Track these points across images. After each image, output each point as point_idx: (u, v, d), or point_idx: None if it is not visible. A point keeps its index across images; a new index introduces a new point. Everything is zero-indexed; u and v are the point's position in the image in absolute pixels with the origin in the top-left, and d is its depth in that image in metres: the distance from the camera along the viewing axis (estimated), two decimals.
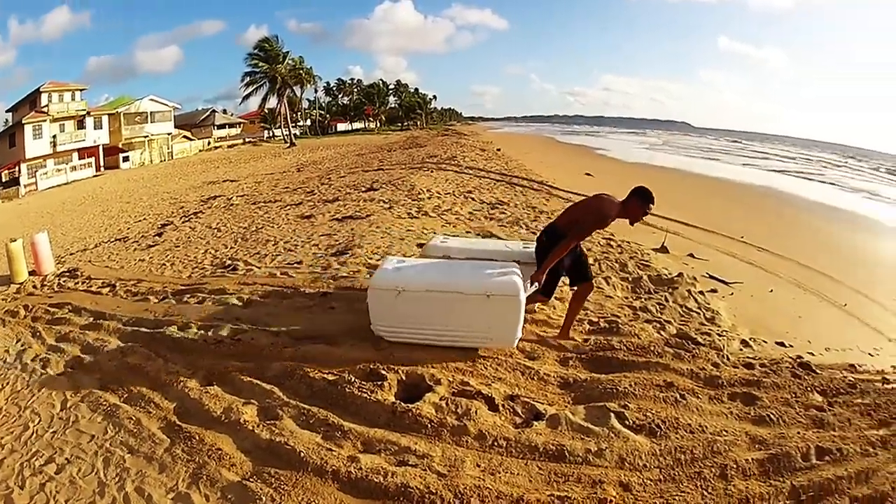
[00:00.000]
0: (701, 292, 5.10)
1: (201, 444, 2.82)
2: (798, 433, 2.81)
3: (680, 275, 5.44)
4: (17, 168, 29.69)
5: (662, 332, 4.11)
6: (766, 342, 4.15)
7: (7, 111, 35.24)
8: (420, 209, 9.02)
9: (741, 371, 3.51)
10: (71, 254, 9.81)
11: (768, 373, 3.49)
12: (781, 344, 4.13)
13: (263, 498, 2.42)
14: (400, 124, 79.53)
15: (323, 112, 74.23)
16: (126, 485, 2.60)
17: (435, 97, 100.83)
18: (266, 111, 56.83)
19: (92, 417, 3.23)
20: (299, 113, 64.16)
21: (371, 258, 5.93)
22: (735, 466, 2.55)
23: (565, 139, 53.70)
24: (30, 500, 2.57)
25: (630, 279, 5.37)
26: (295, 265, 5.99)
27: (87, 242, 11.26)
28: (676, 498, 2.40)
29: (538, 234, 3.91)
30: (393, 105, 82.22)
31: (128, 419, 3.15)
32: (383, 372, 3.30)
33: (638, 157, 31.94)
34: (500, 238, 6.95)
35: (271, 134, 57.73)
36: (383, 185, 12.21)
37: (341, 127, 75.13)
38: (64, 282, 6.68)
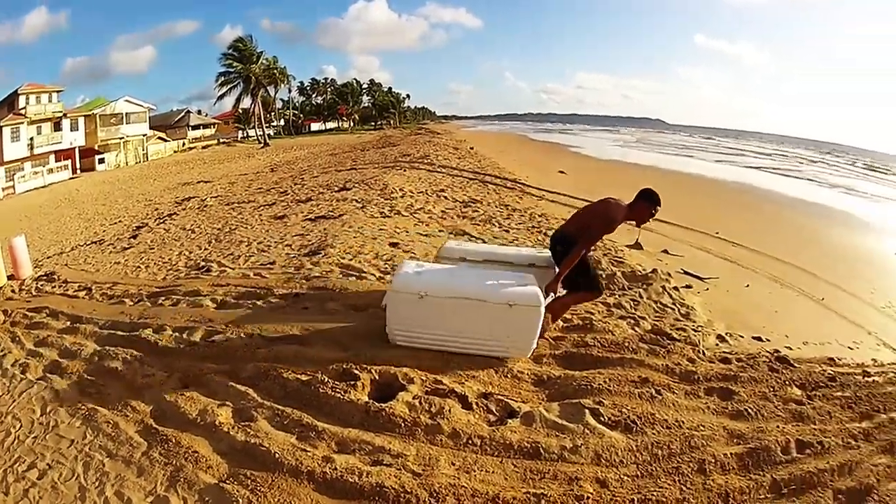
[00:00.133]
0: (676, 288, 5.10)
1: (178, 447, 2.78)
2: (777, 427, 2.80)
3: (654, 271, 5.44)
4: None
5: (637, 329, 4.10)
6: (742, 337, 4.15)
7: None
8: (393, 208, 8.99)
9: (718, 366, 3.51)
10: (48, 257, 9.76)
11: (745, 367, 3.49)
12: (758, 338, 4.13)
13: (240, 500, 2.38)
14: (373, 123, 79.46)
15: (297, 112, 73.45)
16: (106, 489, 2.58)
17: (408, 96, 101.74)
18: (240, 111, 56.23)
19: (71, 422, 3.19)
20: (273, 113, 63.56)
21: (343, 258, 5.86)
22: (713, 461, 2.53)
23: (539, 137, 54.26)
24: None
25: (604, 276, 5.36)
26: (268, 266, 5.94)
27: (64, 246, 11.20)
28: (654, 493, 2.36)
29: (550, 243, 3.94)
30: (366, 104, 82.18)
31: (105, 423, 3.10)
32: (356, 371, 3.25)
33: (611, 154, 32.36)
34: (473, 237, 6.98)
35: (245, 134, 57.25)
36: (356, 185, 12.17)
37: (315, 127, 74.51)
38: (41, 286, 6.56)
